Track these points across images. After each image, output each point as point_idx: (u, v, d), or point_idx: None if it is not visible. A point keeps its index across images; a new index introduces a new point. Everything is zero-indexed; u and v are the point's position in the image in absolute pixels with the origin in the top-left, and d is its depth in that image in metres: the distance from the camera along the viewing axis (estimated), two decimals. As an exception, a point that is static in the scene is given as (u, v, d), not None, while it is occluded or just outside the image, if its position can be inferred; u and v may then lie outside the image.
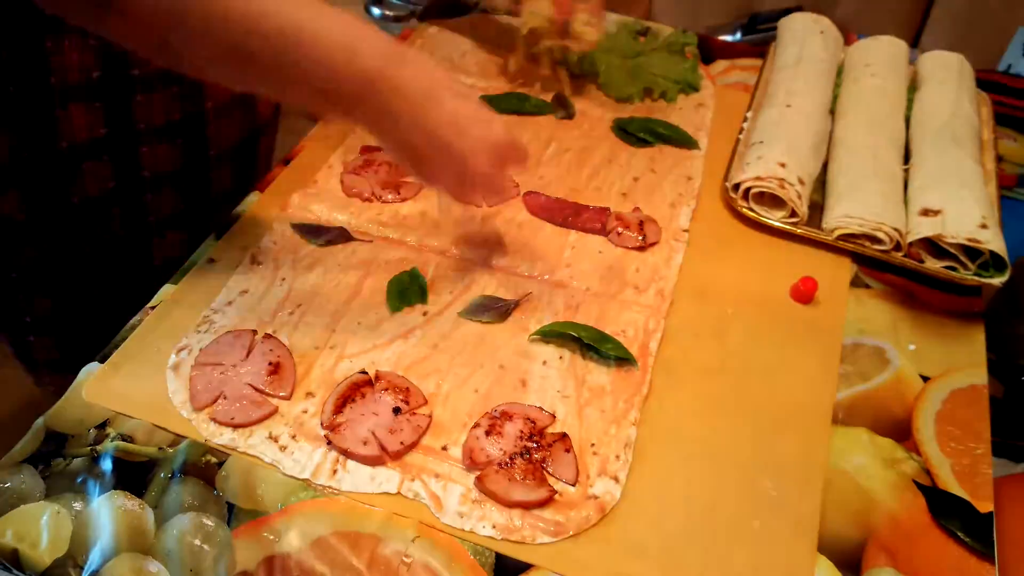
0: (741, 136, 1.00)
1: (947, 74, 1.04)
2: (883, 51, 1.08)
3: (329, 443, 0.67)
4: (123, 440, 0.68)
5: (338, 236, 0.85)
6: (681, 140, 1.01)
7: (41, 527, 0.62)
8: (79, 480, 0.65)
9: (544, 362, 0.75)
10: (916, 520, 0.67)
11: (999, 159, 1.01)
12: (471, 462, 0.67)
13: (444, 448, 0.68)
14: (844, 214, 0.87)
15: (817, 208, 0.91)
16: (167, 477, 0.66)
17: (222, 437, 0.68)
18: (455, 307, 0.79)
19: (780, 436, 0.71)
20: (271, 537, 0.62)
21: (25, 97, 0.76)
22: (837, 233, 0.87)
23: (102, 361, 0.73)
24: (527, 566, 0.62)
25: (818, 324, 0.81)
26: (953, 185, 0.87)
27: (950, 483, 0.70)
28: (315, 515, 0.64)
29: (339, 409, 0.69)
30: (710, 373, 0.76)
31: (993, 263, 0.83)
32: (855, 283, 0.86)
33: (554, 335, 0.76)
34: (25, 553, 0.61)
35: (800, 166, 0.91)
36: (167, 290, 0.79)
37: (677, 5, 1.84)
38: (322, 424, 0.68)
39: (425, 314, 0.78)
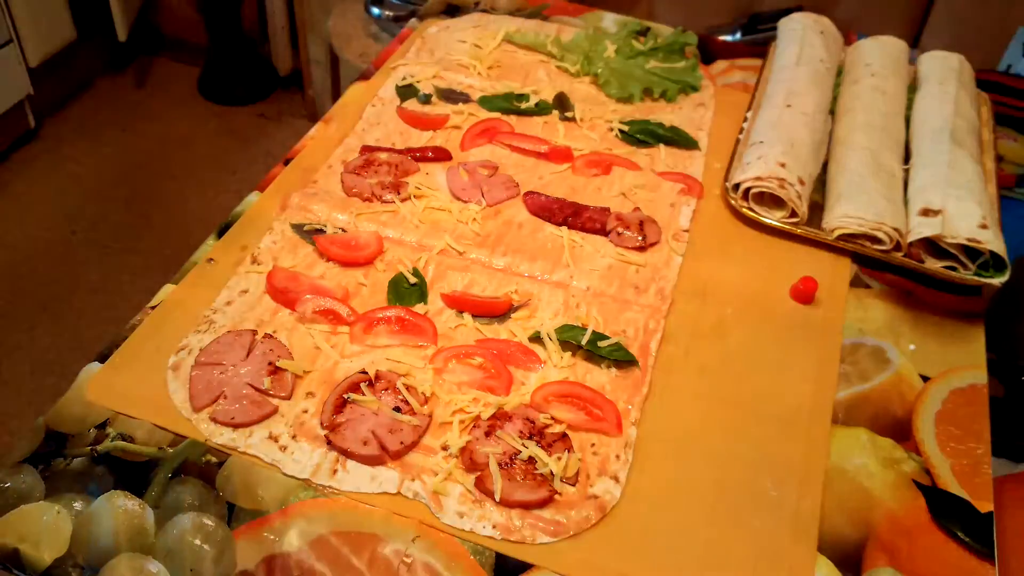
0: (741, 136, 1.00)
1: (947, 74, 1.04)
2: (883, 51, 1.08)
3: (329, 443, 0.67)
4: (123, 440, 0.68)
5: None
6: (681, 140, 1.01)
7: (41, 527, 0.62)
8: (79, 480, 0.65)
9: (544, 362, 0.75)
10: (916, 520, 0.67)
11: (999, 159, 1.01)
12: (471, 462, 0.67)
13: (444, 448, 0.68)
14: (844, 214, 0.87)
15: (817, 208, 0.91)
16: (167, 477, 0.66)
17: (222, 437, 0.68)
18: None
19: (780, 436, 0.71)
20: (271, 537, 0.62)
21: None
22: (837, 233, 0.87)
23: (102, 361, 0.73)
24: (527, 566, 0.62)
25: (818, 324, 0.81)
26: (953, 185, 0.87)
27: (950, 483, 0.70)
28: (315, 515, 0.64)
29: (339, 409, 0.69)
30: (710, 373, 0.76)
31: (993, 263, 0.83)
32: (855, 283, 0.86)
33: (554, 335, 0.76)
34: (25, 553, 0.61)
35: (800, 166, 0.91)
36: (167, 290, 0.79)
37: (677, 5, 1.84)
38: (322, 424, 0.68)
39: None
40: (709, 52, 1.17)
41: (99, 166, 2.20)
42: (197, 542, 0.62)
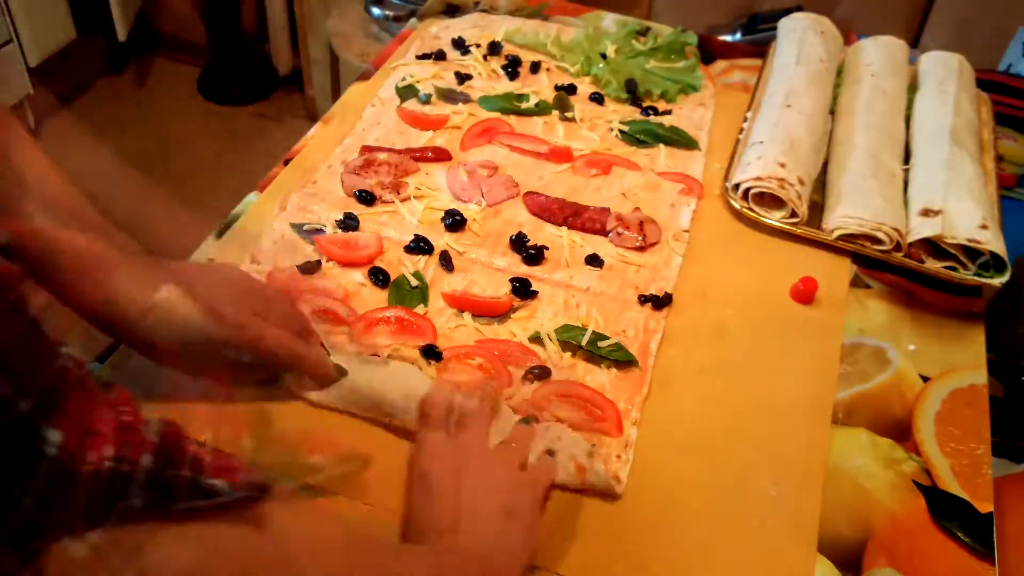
0: (741, 136, 1.00)
1: (947, 74, 1.04)
2: (883, 51, 1.08)
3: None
4: (123, 440, 0.67)
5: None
6: (681, 140, 1.01)
7: (41, 527, 0.62)
8: (79, 480, 0.65)
9: (544, 362, 0.75)
10: (916, 520, 0.67)
11: (999, 159, 1.01)
12: (471, 462, 0.67)
13: (444, 448, 0.68)
14: (844, 214, 0.87)
15: (817, 208, 0.91)
16: (167, 477, 0.65)
17: (222, 437, 0.68)
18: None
19: (780, 436, 0.71)
20: None
21: None
22: (837, 233, 0.87)
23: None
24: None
25: (818, 324, 0.81)
26: (953, 185, 0.87)
27: (950, 483, 0.70)
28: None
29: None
30: (710, 373, 0.76)
31: (993, 263, 0.83)
32: (855, 283, 0.86)
33: (554, 335, 0.76)
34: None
35: (800, 166, 0.91)
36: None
37: (677, 5, 1.84)
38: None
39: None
40: (709, 52, 1.16)
41: (99, 166, 2.20)
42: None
